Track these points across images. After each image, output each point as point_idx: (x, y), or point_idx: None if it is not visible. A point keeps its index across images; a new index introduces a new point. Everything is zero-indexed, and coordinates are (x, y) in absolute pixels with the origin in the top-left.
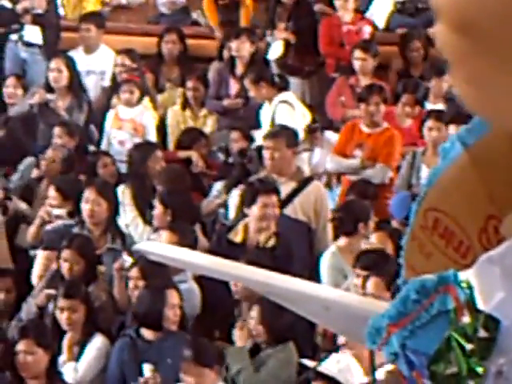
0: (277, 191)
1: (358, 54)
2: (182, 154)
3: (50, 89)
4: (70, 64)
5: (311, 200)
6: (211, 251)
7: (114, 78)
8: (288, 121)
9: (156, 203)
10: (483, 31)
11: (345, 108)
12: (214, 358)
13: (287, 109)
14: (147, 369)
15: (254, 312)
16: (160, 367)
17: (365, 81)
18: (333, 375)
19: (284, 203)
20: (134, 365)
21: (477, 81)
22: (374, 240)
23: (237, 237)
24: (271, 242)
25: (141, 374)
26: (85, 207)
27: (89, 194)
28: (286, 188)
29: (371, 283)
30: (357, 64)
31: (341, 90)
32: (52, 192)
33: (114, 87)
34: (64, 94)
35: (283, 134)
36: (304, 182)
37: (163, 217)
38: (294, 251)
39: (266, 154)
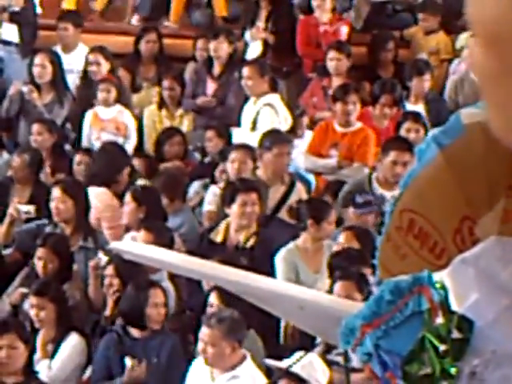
0: (256, 189)
1: (332, 54)
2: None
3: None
4: (55, 59)
5: None
6: (191, 251)
7: (85, 75)
8: (269, 125)
9: (127, 199)
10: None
11: (315, 109)
12: None
13: (270, 112)
14: (129, 362)
15: (213, 297)
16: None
17: (338, 82)
18: (295, 372)
19: (277, 206)
20: (119, 360)
21: (507, 107)
22: (341, 240)
23: (218, 236)
24: (251, 242)
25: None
26: (51, 205)
27: (55, 192)
28: (275, 191)
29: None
30: (331, 64)
31: (314, 91)
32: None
33: (86, 85)
34: (48, 90)
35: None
36: (291, 185)
37: (135, 213)
38: (274, 252)
39: (283, 159)
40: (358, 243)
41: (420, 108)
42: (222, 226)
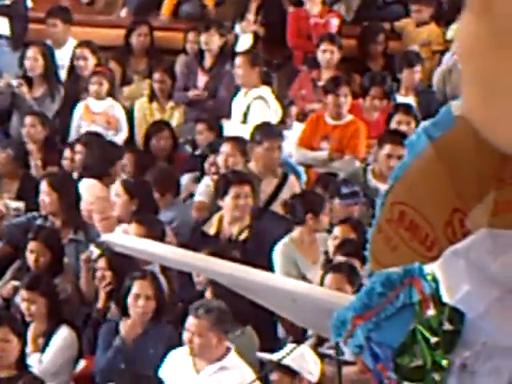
0: (249, 182)
1: (325, 46)
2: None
3: (22, 79)
4: (47, 53)
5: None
6: (184, 244)
7: (72, 69)
8: (261, 118)
9: (119, 192)
10: (501, 12)
11: (304, 101)
12: None
13: (262, 106)
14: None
15: (208, 293)
16: (143, 356)
17: (327, 74)
18: (286, 363)
19: (270, 199)
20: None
21: (484, 78)
22: (337, 233)
23: (211, 229)
24: (244, 235)
25: None
26: (40, 198)
27: (42, 185)
28: (268, 184)
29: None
30: (324, 56)
31: (303, 83)
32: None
33: (74, 80)
34: (39, 83)
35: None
36: (283, 178)
37: (127, 206)
38: (268, 245)
39: (274, 153)
40: (355, 235)
41: (410, 100)
42: (215, 218)
